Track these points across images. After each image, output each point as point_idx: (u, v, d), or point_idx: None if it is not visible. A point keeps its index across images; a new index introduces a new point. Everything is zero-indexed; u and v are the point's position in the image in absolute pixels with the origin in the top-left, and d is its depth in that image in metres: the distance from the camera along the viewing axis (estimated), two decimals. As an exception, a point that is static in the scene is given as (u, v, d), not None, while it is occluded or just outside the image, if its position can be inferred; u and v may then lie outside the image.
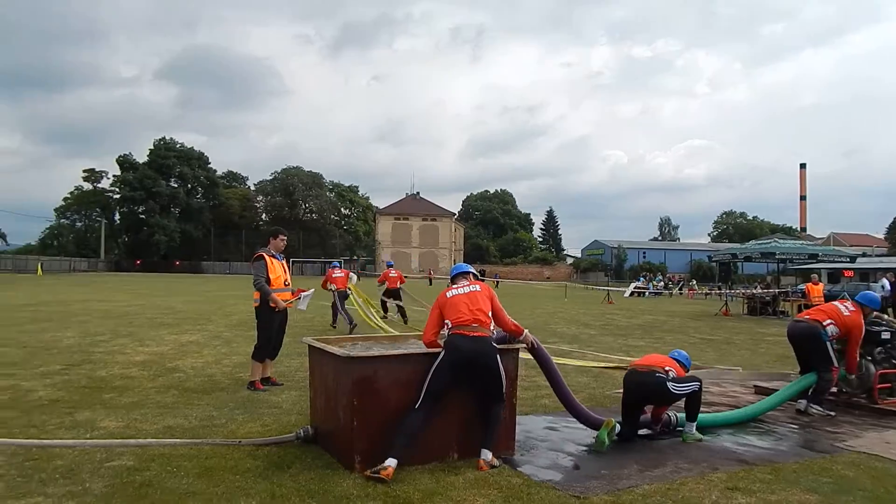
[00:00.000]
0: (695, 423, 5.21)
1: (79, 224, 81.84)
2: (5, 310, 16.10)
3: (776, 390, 6.47)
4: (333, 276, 13.67)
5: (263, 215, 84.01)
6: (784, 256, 23.31)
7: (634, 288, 43.13)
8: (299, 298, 7.29)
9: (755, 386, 7.44)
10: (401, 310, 15.21)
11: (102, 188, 79.58)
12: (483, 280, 5.15)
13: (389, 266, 16.22)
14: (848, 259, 26.53)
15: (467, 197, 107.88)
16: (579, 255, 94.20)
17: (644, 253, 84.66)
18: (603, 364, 9.04)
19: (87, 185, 79.60)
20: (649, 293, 42.70)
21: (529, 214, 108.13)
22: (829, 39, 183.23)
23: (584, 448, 4.91)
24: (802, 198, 71.13)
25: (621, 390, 5.36)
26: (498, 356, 4.45)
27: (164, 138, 78.38)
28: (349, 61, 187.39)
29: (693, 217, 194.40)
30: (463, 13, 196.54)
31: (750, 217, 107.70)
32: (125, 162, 75.99)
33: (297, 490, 3.75)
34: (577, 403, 5.10)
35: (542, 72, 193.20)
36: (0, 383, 6.72)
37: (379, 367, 4.28)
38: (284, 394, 6.53)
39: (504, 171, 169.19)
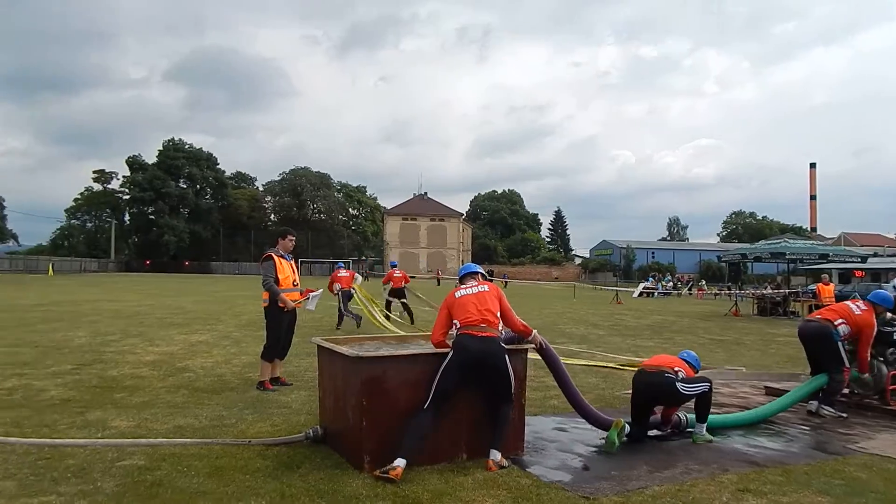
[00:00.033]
0: (705, 425, 5.19)
1: (89, 225, 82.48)
2: (17, 310, 16.25)
3: (787, 391, 6.42)
4: (339, 275, 13.86)
5: (272, 216, 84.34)
6: (794, 257, 23.15)
7: (643, 288, 42.94)
8: (308, 298, 7.32)
9: (766, 387, 7.40)
10: (406, 308, 15.33)
11: (112, 189, 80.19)
12: (491, 280, 5.15)
13: (393, 266, 16.48)
14: (859, 259, 26.31)
15: (475, 197, 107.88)
16: (588, 256, 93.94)
17: (653, 253, 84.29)
18: (611, 364, 9.01)
19: (98, 186, 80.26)
20: (658, 293, 42.53)
21: (537, 214, 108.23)
22: (840, 38, 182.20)
23: (594, 449, 4.90)
24: (812, 197, 70.48)
25: (630, 391, 5.34)
26: (506, 356, 4.45)
27: (172, 139, 78.95)
28: (356, 62, 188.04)
29: (702, 217, 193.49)
30: (469, 13, 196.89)
31: (759, 217, 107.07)
32: (134, 163, 76.48)
33: (307, 490, 3.76)
34: (585, 404, 5.08)
35: (549, 72, 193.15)
36: (12, 383, 6.79)
37: (388, 367, 4.28)
38: (294, 394, 6.56)
39: (512, 172, 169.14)
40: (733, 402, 6.73)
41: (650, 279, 50.08)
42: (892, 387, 6.30)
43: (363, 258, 74.65)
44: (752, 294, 26.96)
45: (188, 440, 4.69)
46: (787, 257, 23.03)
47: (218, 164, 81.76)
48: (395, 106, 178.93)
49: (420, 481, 3.94)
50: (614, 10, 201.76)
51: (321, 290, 7.62)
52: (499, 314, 4.59)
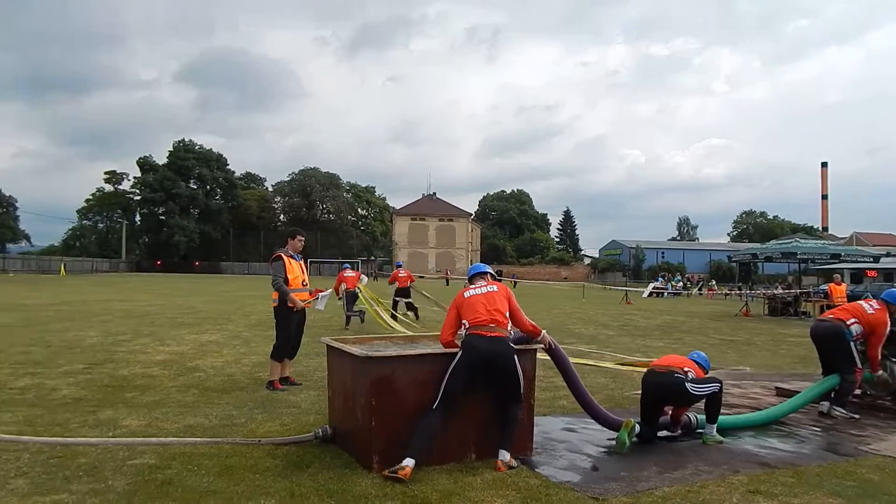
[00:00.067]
0: (715, 425, 5.16)
1: (100, 225, 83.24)
2: (30, 309, 16.40)
3: (798, 392, 6.38)
4: (345, 275, 14.03)
5: (281, 216, 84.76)
6: (805, 256, 22.98)
7: (653, 288, 42.75)
8: (317, 298, 7.34)
9: (777, 388, 7.35)
10: (411, 307, 15.55)
11: (123, 190, 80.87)
12: (500, 280, 5.14)
13: (399, 266, 16.90)
14: (871, 259, 26.05)
15: (484, 197, 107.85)
16: (597, 256, 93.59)
17: (662, 253, 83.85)
18: (619, 363, 8.97)
19: (109, 187, 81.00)
20: (668, 294, 42.34)
21: (546, 214, 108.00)
22: (852, 36, 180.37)
23: (603, 449, 4.89)
24: (824, 197, 69.91)
25: (640, 391, 5.32)
26: (515, 357, 4.44)
27: (183, 140, 79.58)
28: (365, 62, 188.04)
29: (712, 216, 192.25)
30: (479, 13, 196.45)
31: (770, 216, 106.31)
32: (145, 164, 77.07)
33: (316, 489, 3.77)
34: (594, 404, 5.07)
35: (558, 71, 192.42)
36: (25, 382, 6.85)
37: (397, 367, 4.29)
38: (303, 393, 6.58)
39: (520, 171, 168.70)
40: (744, 403, 6.68)
41: (660, 279, 49.84)
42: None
43: (372, 258, 74.84)
44: (763, 294, 26.79)
45: (198, 439, 4.71)
46: (798, 257, 22.87)
47: (228, 164, 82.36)
48: (404, 106, 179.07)
49: (429, 481, 3.94)
50: (624, 8, 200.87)
51: (330, 290, 7.65)
52: (508, 314, 4.59)
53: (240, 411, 5.72)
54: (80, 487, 3.71)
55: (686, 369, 5.08)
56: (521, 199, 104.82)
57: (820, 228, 71.39)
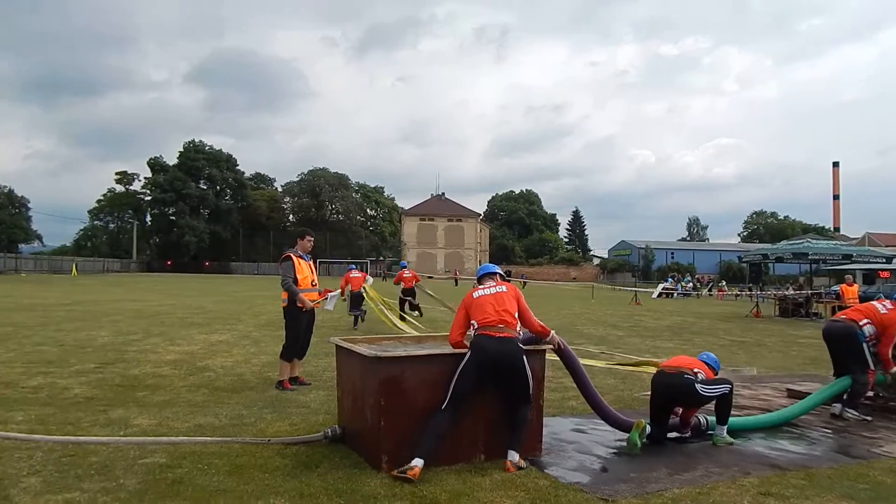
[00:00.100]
0: (725, 427, 5.13)
1: (111, 226, 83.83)
2: (42, 309, 16.54)
3: (809, 393, 6.33)
4: (351, 276, 14.10)
5: (290, 216, 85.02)
6: (817, 257, 22.79)
7: (662, 289, 42.57)
8: (326, 299, 7.37)
9: (788, 389, 7.30)
10: (414, 307, 15.76)
11: (134, 190, 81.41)
12: (509, 281, 5.14)
13: (403, 267, 17.11)
14: (884, 259, 25.79)
15: (492, 197, 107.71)
16: (606, 256, 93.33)
17: (672, 253, 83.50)
18: (620, 363, 8.90)
19: (120, 188, 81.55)
20: (678, 294, 42.15)
21: (555, 215, 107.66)
22: (866, 35, 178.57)
23: (613, 450, 4.87)
24: (836, 197, 69.45)
25: (649, 392, 5.30)
26: (524, 357, 4.44)
27: (193, 141, 79.95)
28: (374, 63, 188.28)
29: (722, 217, 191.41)
30: (487, 13, 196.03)
31: (781, 217, 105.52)
32: (156, 164, 77.53)
33: (325, 489, 3.78)
34: (605, 405, 5.05)
35: (567, 71, 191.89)
36: (38, 381, 6.91)
37: (406, 367, 4.29)
38: (312, 393, 6.60)
39: (529, 172, 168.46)
40: (754, 405, 6.64)
41: (669, 280, 49.62)
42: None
43: (381, 258, 74.94)
44: (774, 295, 26.62)
45: (208, 439, 4.74)
46: (809, 258, 22.69)
47: (237, 165, 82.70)
48: (413, 106, 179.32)
49: (438, 482, 3.94)
50: (633, 8, 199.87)
51: (339, 290, 7.68)
52: (516, 315, 4.58)
53: (249, 411, 5.74)
54: (92, 486, 3.73)
55: (696, 370, 5.06)
56: (529, 199, 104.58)
57: (831, 229, 70.91)
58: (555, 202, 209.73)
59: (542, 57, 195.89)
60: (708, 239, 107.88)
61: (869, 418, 6.01)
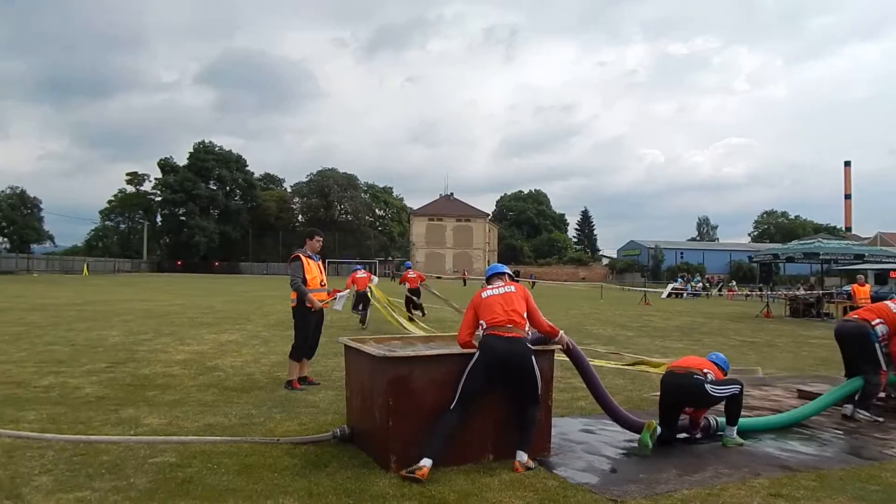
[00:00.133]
0: (735, 428, 5.10)
1: (122, 226, 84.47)
2: (54, 309, 16.67)
3: (820, 394, 6.28)
4: (357, 276, 14.15)
5: (300, 216, 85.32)
6: (828, 257, 22.62)
7: (672, 289, 42.39)
8: (335, 299, 7.39)
9: (798, 390, 7.25)
10: (417, 306, 15.94)
11: (145, 191, 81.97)
12: (518, 281, 5.13)
13: (408, 268, 17.35)
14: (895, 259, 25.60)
15: (501, 197, 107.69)
16: (615, 256, 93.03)
17: (682, 253, 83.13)
18: (633, 362, 8.88)
19: (130, 188, 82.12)
20: (687, 294, 41.95)
21: (564, 215, 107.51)
22: (877, 33, 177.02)
23: (621, 451, 4.85)
24: (847, 196, 68.84)
25: (658, 393, 5.28)
26: (533, 357, 4.43)
27: (203, 142, 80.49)
28: (383, 63, 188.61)
29: (732, 216, 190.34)
30: (496, 14, 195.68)
31: (792, 216, 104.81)
32: (166, 165, 78.06)
33: (334, 489, 3.79)
34: (614, 405, 5.03)
35: (575, 71, 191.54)
36: (49, 380, 6.97)
37: (414, 367, 4.29)
38: (321, 393, 6.61)
39: (538, 172, 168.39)
40: (765, 406, 6.60)
41: (679, 280, 49.41)
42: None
43: (390, 259, 75.01)
44: (785, 295, 26.44)
45: (218, 438, 4.76)
46: (820, 258, 22.53)
47: (247, 165, 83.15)
48: (422, 107, 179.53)
49: (446, 482, 3.94)
50: (642, 7, 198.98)
51: (348, 290, 7.70)
52: (525, 315, 4.58)
53: (259, 410, 5.77)
54: (103, 485, 3.76)
55: (705, 371, 5.03)
56: (538, 199, 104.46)
57: (843, 228, 70.29)
58: (563, 202, 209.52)
59: (551, 57, 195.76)
60: (718, 239, 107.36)
61: (881, 419, 5.95)
